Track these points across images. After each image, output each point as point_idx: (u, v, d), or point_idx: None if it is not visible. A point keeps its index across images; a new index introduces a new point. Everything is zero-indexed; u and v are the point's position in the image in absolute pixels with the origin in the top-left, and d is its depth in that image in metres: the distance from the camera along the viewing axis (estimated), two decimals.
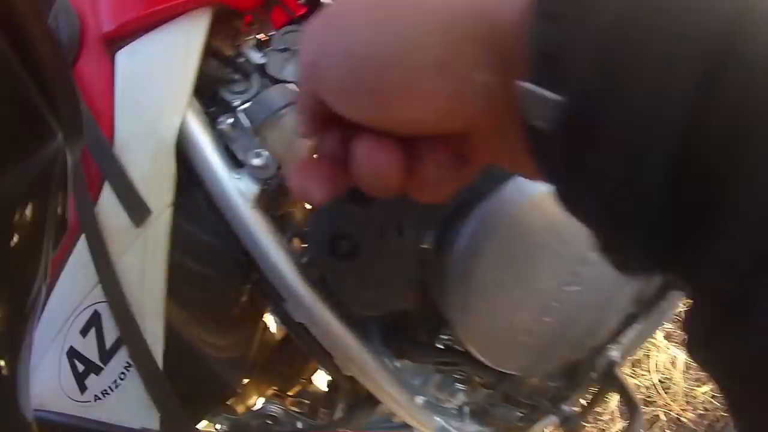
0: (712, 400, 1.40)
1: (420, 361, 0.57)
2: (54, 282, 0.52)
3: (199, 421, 0.63)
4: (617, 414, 1.40)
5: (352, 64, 0.22)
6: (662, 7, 0.17)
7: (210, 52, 0.52)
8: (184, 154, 0.51)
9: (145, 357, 0.53)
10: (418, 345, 0.57)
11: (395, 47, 0.21)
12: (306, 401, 0.68)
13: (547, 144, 0.19)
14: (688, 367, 1.44)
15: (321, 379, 0.72)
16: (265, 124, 0.48)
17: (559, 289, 0.49)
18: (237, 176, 0.50)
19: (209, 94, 0.53)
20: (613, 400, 1.39)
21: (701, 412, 1.42)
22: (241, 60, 0.54)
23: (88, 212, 0.50)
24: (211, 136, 0.51)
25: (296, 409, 0.68)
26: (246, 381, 0.68)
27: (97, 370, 0.54)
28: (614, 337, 0.61)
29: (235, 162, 0.52)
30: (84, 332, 0.53)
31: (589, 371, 0.66)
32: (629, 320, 0.61)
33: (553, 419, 0.69)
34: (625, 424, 1.39)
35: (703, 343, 0.19)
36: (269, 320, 0.69)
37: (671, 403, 1.42)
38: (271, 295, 0.52)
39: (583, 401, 0.72)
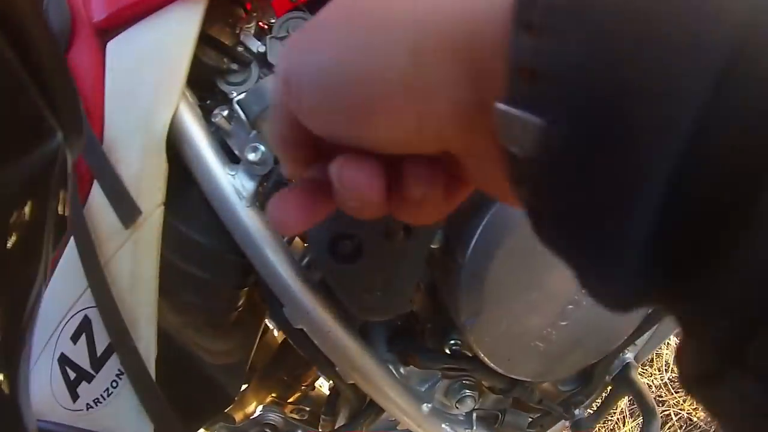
0: None
1: (427, 367, 0.54)
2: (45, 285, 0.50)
3: (196, 431, 0.61)
4: (627, 414, 1.37)
5: (323, 82, 0.21)
6: (660, 10, 0.14)
7: (208, 41, 0.49)
8: (176, 149, 0.48)
9: (136, 364, 0.51)
10: (426, 351, 0.54)
11: (363, 65, 0.20)
12: (306, 408, 0.66)
13: (523, 172, 0.18)
14: None
15: (323, 384, 0.70)
16: (261, 116, 0.45)
17: (577, 291, 0.46)
18: (232, 173, 0.47)
19: (206, 86, 0.51)
20: (623, 400, 1.37)
21: None
22: (240, 49, 0.51)
23: (77, 213, 0.48)
24: (205, 130, 0.48)
25: (296, 417, 0.65)
26: (244, 387, 0.66)
27: (89, 378, 0.52)
28: (632, 341, 0.58)
29: (232, 157, 0.49)
30: (75, 338, 0.51)
31: (604, 375, 0.63)
32: (646, 322, 0.58)
33: (564, 424, 0.67)
34: (634, 424, 1.37)
35: (696, 384, 0.17)
36: (270, 323, 0.66)
37: (682, 402, 1.40)
38: (268, 298, 0.49)
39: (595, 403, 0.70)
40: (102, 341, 0.51)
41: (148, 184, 0.48)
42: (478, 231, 0.44)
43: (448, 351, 0.55)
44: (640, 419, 0.82)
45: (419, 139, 0.21)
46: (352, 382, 0.53)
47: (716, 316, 0.15)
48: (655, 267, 0.15)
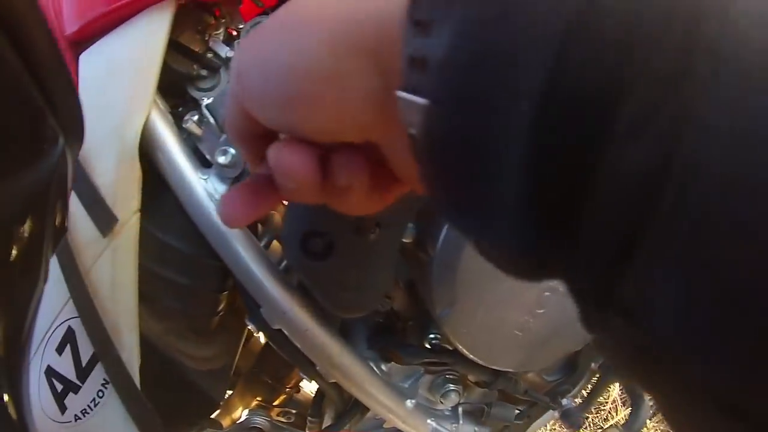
0: None
1: (408, 363, 0.54)
2: None
3: None
4: (619, 403, 1.37)
5: (265, 75, 0.24)
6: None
7: (177, 49, 0.50)
8: (150, 156, 0.48)
9: (121, 373, 0.51)
10: (406, 346, 0.55)
11: (294, 61, 0.23)
12: (293, 411, 0.66)
13: (419, 151, 0.20)
14: None
15: (309, 387, 0.70)
16: None
17: None
18: (204, 177, 0.48)
19: (178, 93, 0.51)
20: (615, 388, 1.36)
21: None
22: (210, 55, 0.52)
23: None
24: (176, 135, 0.49)
25: (283, 420, 0.65)
26: (230, 393, 0.66)
27: (76, 389, 0.52)
28: None
29: (204, 162, 0.49)
30: (60, 350, 0.52)
31: (589, 362, 0.63)
32: None
33: (554, 414, 0.66)
34: (627, 412, 1.37)
35: (593, 340, 0.19)
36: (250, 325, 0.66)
37: None
38: (245, 300, 0.50)
39: (583, 392, 0.70)
40: (86, 351, 0.51)
41: (124, 191, 0.48)
42: (448, 223, 0.45)
43: (428, 346, 0.55)
44: None
45: (340, 125, 0.24)
46: (333, 380, 0.53)
47: (584, 260, 0.16)
48: (530, 220, 0.17)
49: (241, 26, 0.55)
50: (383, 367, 0.55)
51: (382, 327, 0.56)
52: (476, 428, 0.61)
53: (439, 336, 0.54)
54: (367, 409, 0.57)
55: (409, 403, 0.56)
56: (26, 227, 0.23)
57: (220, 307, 0.56)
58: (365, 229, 0.44)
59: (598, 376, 0.68)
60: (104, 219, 0.48)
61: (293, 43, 0.23)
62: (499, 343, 0.51)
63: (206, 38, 0.53)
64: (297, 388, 0.67)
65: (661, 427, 1.36)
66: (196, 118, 0.48)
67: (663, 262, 0.14)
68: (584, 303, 0.18)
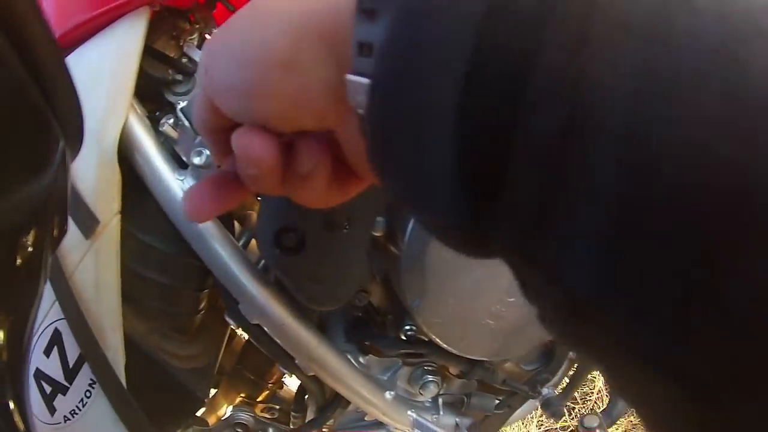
0: None
1: (385, 354, 0.56)
2: None
3: None
4: (605, 393, 1.38)
5: (230, 65, 0.25)
6: None
7: (153, 54, 0.51)
8: (128, 160, 0.50)
9: (107, 372, 0.51)
10: (382, 338, 0.56)
11: (258, 48, 0.24)
12: (276, 406, 0.67)
13: (365, 129, 0.21)
14: None
15: (292, 383, 0.71)
16: None
17: None
18: (181, 178, 0.49)
19: (155, 97, 0.53)
20: (600, 379, 1.37)
21: None
22: (185, 60, 0.54)
23: None
24: (154, 139, 0.50)
25: (267, 416, 0.66)
26: (214, 391, 0.67)
27: (64, 390, 0.53)
28: None
29: (180, 163, 0.51)
30: (47, 352, 0.52)
31: (566, 351, 0.64)
32: None
33: (535, 404, 0.67)
34: None
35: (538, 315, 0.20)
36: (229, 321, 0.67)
37: None
38: (224, 296, 0.51)
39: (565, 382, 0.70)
40: (73, 352, 0.52)
41: (104, 194, 0.49)
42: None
43: (404, 337, 0.56)
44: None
45: (300, 113, 0.25)
46: (312, 374, 0.54)
47: (510, 226, 0.17)
48: (463, 187, 0.18)
49: (214, 30, 0.57)
50: (361, 359, 0.56)
51: (361, 321, 0.57)
52: (457, 419, 0.63)
53: (414, 327, 0.56)
54: (349, 403, 0.58)
55: (388, 394, 0.57)
56: (30, 236, 0.23)
57: (202, 306, 0.57)
58: (336, 224, 0.45)
59: (576, 365, 0.69)
60: (86, 221, 0.49)
61: (256, 34, 0.25)
62: (472, 332, 0.52)
63: (181, 43, 0.55)
64: (280, 384, 0.68)
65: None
66: (171, 121, 0.50)
67: (575, 220, 0.15)
68: (518, 273, 0.19)
